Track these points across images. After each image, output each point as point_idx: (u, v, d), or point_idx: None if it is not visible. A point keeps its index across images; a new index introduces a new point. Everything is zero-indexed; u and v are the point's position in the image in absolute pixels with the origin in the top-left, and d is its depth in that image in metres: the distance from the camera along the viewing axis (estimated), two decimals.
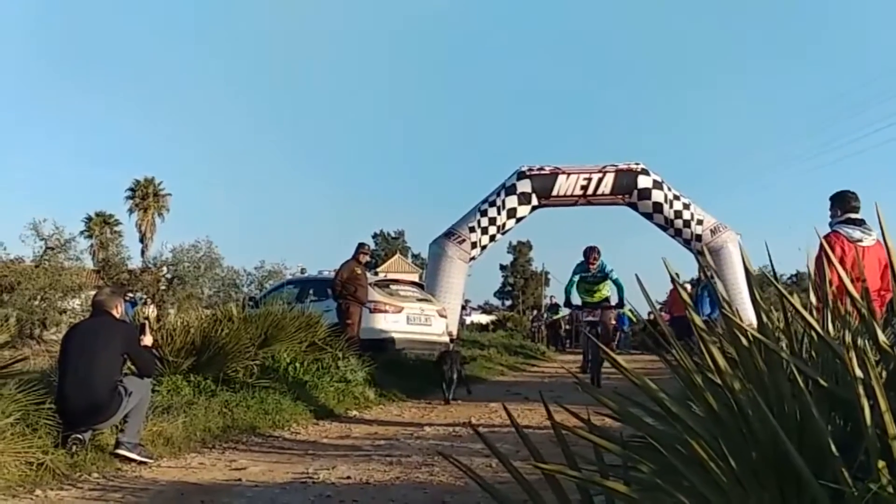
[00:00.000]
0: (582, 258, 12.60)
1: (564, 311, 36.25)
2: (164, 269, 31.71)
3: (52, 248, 25.88)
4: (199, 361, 8.66)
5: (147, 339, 6.85)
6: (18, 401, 6.12)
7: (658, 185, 20.73)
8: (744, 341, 1.60)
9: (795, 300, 2.19)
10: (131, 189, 56.68)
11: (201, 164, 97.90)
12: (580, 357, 19.23)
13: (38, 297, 24.99)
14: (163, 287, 31.04)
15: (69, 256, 26.72)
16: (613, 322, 13.24)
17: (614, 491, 1.55)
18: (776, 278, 2.10)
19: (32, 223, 26.01)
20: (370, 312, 13.63)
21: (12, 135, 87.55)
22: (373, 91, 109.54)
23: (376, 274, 24.92)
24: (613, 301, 12.95)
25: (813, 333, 1.67)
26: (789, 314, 1.77)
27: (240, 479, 5.61)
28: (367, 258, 14.37)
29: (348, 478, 5.59)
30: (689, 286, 18.12)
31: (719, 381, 1.56)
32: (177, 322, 10.26)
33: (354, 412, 9.32)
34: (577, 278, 12.58)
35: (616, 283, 12.43)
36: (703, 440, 1.46)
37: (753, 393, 1.49)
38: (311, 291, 15.06)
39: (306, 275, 19.53)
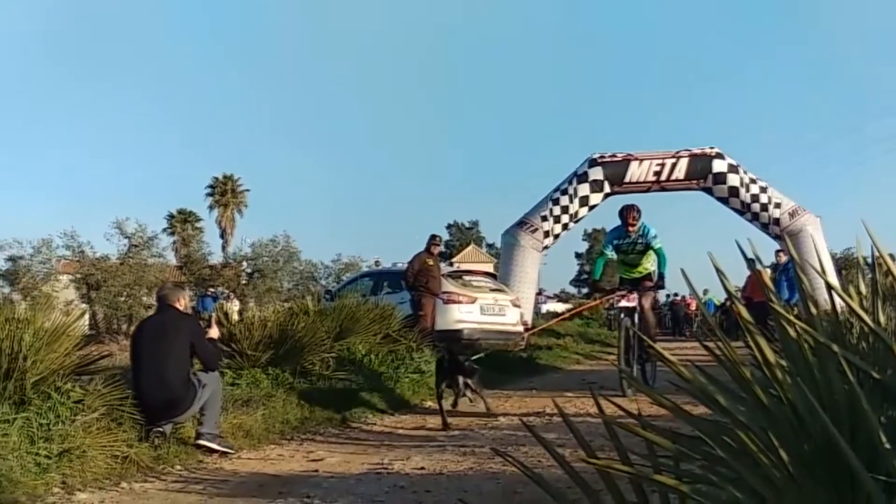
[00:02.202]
0: (619, 221, 10.07)
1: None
2: (244, 263, 32.41)
3: (136, 246, 26.73)
4: (276, 354, 8.85)
5: (213, 332, 7.03)
6: (104, 396, 6.36)
7: (734, 168, 20.37)
8: (791, 332, 1.60)
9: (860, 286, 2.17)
10: (210, 186, 57.89)
11: (278, 158, 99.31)
12: (658, 345, 18.92)
13: (124, 294, 25.85)
14: (243, 281, 31.73)
15: (152, 253, 27.61)
16: (650, 304, 10.25)
17: (665, 485, 1.57)
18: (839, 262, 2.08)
19: (116, 222, 26.93)
20: (443, 303, 13.73)
21: (94, 138, 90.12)
22: (446, 83, 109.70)
23: (450, 265, 25.04)
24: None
25: (862, 323, 1.65)
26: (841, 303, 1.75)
27: (317, 470, 5.73)
28: (440, 249, 14.46)
29: (422, 468, 5.67)
30: (768, 270, 17.72)
31: (768, 374, 1.57)
32: (254, 316, 10.50)
33: (429, 403, 9.41)
34: (609, 250, 10.18)
35: (659, 253, 9.90)
36: (753, 433, 1.47)
37: (802, 385, 1.49)
38: (385, 284, 15.23)
39: (381, 267, 19.71)
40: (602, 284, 10.53)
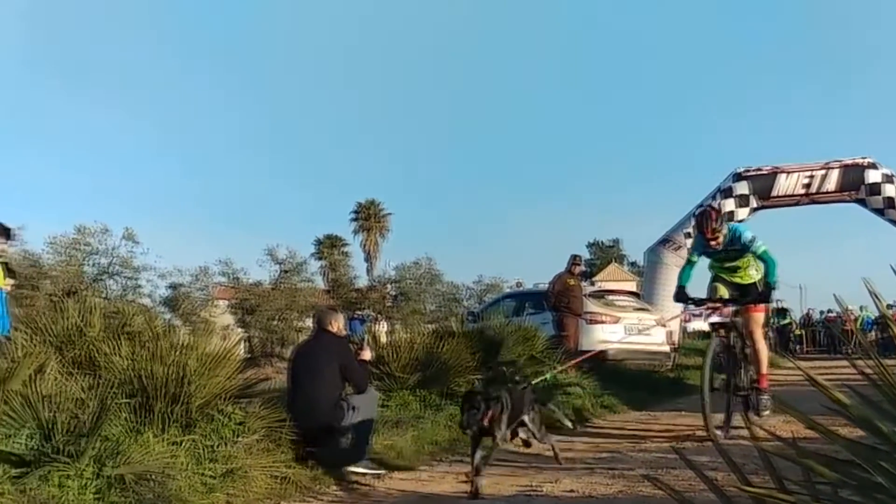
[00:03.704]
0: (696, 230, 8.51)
1: (794, 314, 34.60)
2: (389, 286, 33.12)
3: (287, 271, 27.81)
4: (424, 376, 9.03)
5: (366, 355, 7.24)
6: (263, 418, 6.67)
7: (889, 178, 19.38)
8: None
9: None
10: (355, 211, 59.48)
11: (419, 182, 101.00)
12: (814, 363, 18.10)
13: (277, 318, 26.92)
14: (388, 304, 32.40)
15: (302, 278, 28.67)
16: (757, 321, 8.35)
17: None
18: None
19: (268, 248, 28.14)
20: (587, 324, 13.65)
21: (240, 165, 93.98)
22: (584, 98, 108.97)
23: (592, 284, 24.83)
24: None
25: None
26: None
27: (467, 492, 5.81)
28: (581, 269, 14.41)
29: (572, 491, 5.67)
30: None
31: None
32: (402, 339, 10.75)
33: (574, 424, 9.35)
34: (697, 257, 8.42)
35: (764, 258, 8.12)
36: None
37: None
38: (527, 304, 15.27)
39: (522, 288, 19.76)
40: (687, 294, 8.47)
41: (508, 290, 23.64)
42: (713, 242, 7.97)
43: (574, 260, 13.82)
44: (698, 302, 8.48)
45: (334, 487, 6.01)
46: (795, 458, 1.62)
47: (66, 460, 5.15)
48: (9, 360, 6.27)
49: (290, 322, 27.05)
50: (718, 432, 7.42)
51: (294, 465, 6.15)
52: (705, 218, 7.99)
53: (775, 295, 8.86)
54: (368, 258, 57.37)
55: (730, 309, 8.10)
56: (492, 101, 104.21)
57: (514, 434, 6.53)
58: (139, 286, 25.68)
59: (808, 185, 19.56)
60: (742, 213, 19.93)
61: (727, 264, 8.42)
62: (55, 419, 5.41)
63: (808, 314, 34.48)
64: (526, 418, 6.29)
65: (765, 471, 1.82)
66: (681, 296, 8.38)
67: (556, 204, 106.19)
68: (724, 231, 8.03)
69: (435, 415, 8.32)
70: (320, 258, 47.17)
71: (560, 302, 13.35)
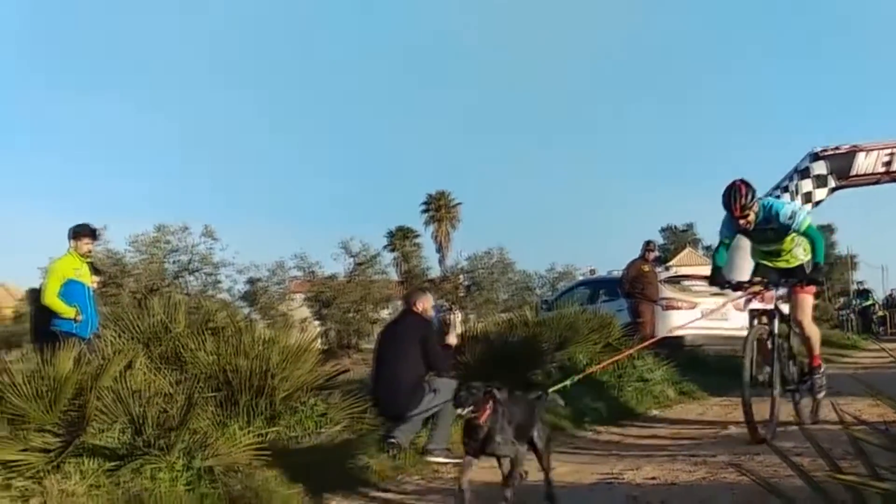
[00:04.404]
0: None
1: (876, 295, 33.68)
2: (462, 276, 33.26)
3: (361, 264, 28.16)
4: (499, 366, 9.05)
5: (451, 339, 7.29)
6: (344, 409, 6.80)
7: None
8: None
9: None
10: (425, 203, 59.72)
11: (487, 170, 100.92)
12: None
13: (352, 310, 27.30)
14: (461, 294, 32.53)
15: (376, 270, 29.01)
16: (806, 306, 7.39)
17: None
18: None
19: (342, 242, 28.53)
20: (663, 310, 13.51)
21: (316, 164, 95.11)
22: (651, 79, 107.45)
23: (666, 269, 24.54)
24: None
25: None
26: None
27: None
28: (655, 254, 14.26)
29: (654, 478, 5.63)
30: None
31: None
32: (476, 328, 10.80)
33: (655, 412, 9.29)
34: (728, 240, 7.49)
35: (809, 235, 7.17)
36: None
37: None
38: (601, 292, 15.17)
39: (596, 275, 19.64)
40: (726, 275, 7.55)
41: (582, 278, 23.49)
42: (742, 221, 7.03)
43: (647, 245, 13.70)
44: (736, 285, 7.56)
45: (416, 477, 6.07)
46: (888, 445, 1.60)
47: (157, 453, 5.32)
48: (99, 357, 6.50)
49: (365, 314, 27.38)
50: (762, 432, 6.69)
51: (375, 455, 6.24)
52: (733, 193, 6.98)
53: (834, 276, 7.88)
54: (440, 249, 57.60)
55: (773, 293, 7.22)
56: (559, 84, 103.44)
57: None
58: (218, 282, 26.27)
59: (888, 164, 18.96)
60: (820, 193, 19.44)
61: (766, 247, 7.53)
62: (145, 413, 5.58)
63: (891, 295, 33.55)
64: (534, 433, 5.15)
65: (854, 457, 1.79)
66: (717, 278, 7.46)
67: (627, 189, 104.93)
68: (756, 208, 7.06)
69: None
70: (392, 250, 47.55)
71: (634, 288, 13.25)
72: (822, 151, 19.54)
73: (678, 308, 13.77)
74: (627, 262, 13.81)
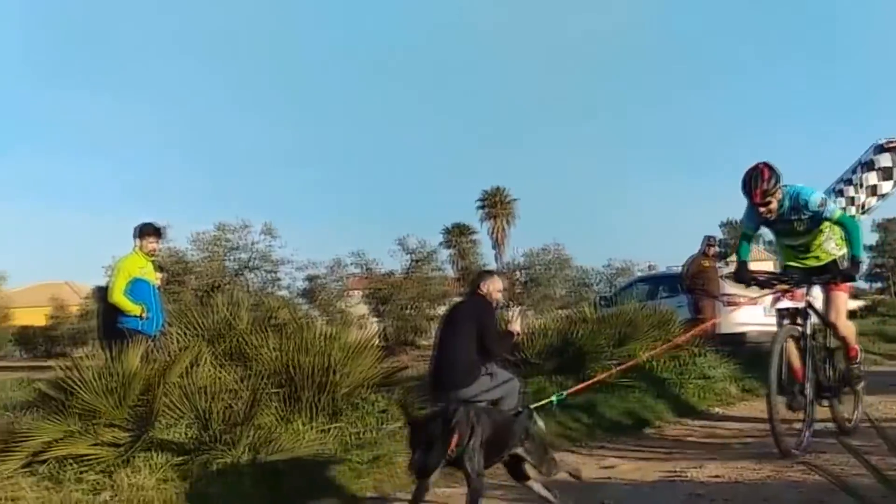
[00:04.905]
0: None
1: None
2: (518, 273, 33.22)
3: (418, 261, 28.30)
4: (559, 362, 9.03)
5: (515, 326, 7.22)
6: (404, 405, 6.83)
7: None
8: None
9: None
10: (480, 199, 59.69)
11: (544, 166, 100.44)
12: None
13: (409, 307, 27.46)
14: (518, 290, 32.48)
15: (432, 267, 29.15)
16: (839, 305, 6.72)
17: None
18: None
19: (399, 239, 28.72)
20: (724, 306, 13.32)
21: (381, 162, 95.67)
22: (711, 73, 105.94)
23: (727, 265, 24.21)
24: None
25: None
26: None
27: (610, 477, 5.79)
28: (715, 250, 14.10)
29: (718, 476, 5.56)
30: None
31: None
32: (535, 324, 10.77)
33: (718, 409, 9.17)
34: (751, 231, 6.92)
35: (844, 224, 6.55)
36: None
37: None
38: (661, 288, 15.04)
39: (655, 271, 19.48)
40: (749, 271, 6.86)
41: (640, 274, 23.30)
42: (763, 210, 6.35)
43: (708, 241, 13.54)
44: (763, 282, 6.93)
45: None
46: None
47: (223, 448, 5.42)
48: (166, 354, 6.63)
49: (422, 311, 27.51)
50: (791, 444, 6.11)
51: None
52: (753, 177, 6.27)
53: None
54: (496, 245, 57.54)
55: (803, 291, 6.57)
56: (618, 77, 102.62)
57: (512, 467, 4.88)
58: (278, 279, 26.68)
59: None
60: (886, 186, 18.91)
61: (792, 241, 6.82)
62: (211, 409, 5.69)
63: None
64: (520, 450, 4.70)
65: None
66: (741, 274, 6.83)
67: (687, 183, 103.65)
68: (779, 195, 6.34)
69: (572, 400, 8.30)
70: (448, 247, 47.65)
71: (695, 284, 13.11)
72: (887, 143, 19.06)
73: (740, 304, 13.56)
74: (687, 257, 13.65)
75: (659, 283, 15.49)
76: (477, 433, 4.37)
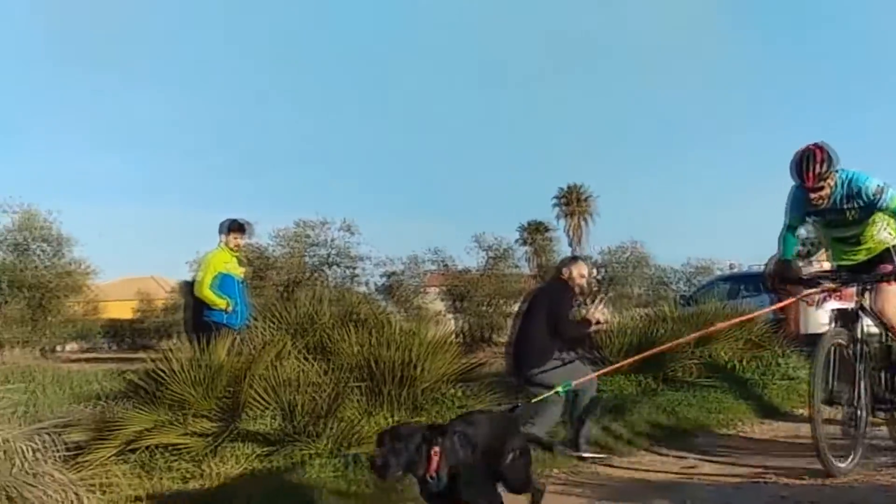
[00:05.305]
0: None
1: None
2: (595, 271, 33.03)
3: (495, 258, 28.37)
4: (639, 361, 8.96)
5: (597, 314, 7.12)
6: (483, 401, 6.89)
7: None
8: None
9: None
10: (556, 197, 59.37)
11: (623, 164, 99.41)
12: None
13: (486, 304, 27.56)
14: (595, 288, 32.30)
15: (509, 264, 29.18)
16: None
17: None
18: None
19: (475, 236, 28.85)
20: (808, 305, 13.02)
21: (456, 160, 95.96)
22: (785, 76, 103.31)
23: (811, 264, 23.68)
24: None
25: None
26: None
27: (691, 478, 5.74)
28: (799, 248, 13.79)
29: (803, 478, 5.47)
30: None
31: None
32: (614, 323, 10.71)
33: (801, 411, 8.96)
34: (796, 222, 6.22)
35: None
36: None
37: None
38: (742, 287, 14.80)
39: (737, 270, 19.16)
40: (795, 269, 6.17)
41: (720, 273, 22.93)
42: (815, 196, 5.69)
43: None
44: (809, 280, 6.25)
45: (556, 470, 6.09)
46: None
47: (307, 440, 5.55)
48: (251, 347, 6.80)
49: (498, 308, 27.56)
50: (840, 465, 5.47)
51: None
52: (805, 158, 5.61)
53: None
54: (572, 243, 57.17)
55: (853, 290, 5.95)
56: (694, 68, 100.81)
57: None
58: (356, 275, 27.00)
59: None
60: None
61: (841, 233, 6.13)
62: (295, 401, 5.83)
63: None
64: (504, 466, 3.99)
65: None
66: (786, 273, 6.13)
67: (768, 180, 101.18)
68: (832, 180, 5.68)
69: (652, 399, 8.26)
70: (524, 244, 47.54)
71: (778, 284, 12.84)
72: None
73: (825, 303, 13.24)
74: (770, 256, 13.39)
75: (741, 283, 15.23)
76: (470, 451, 3.80)
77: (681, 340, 8.03)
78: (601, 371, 6.86)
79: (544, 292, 6.95)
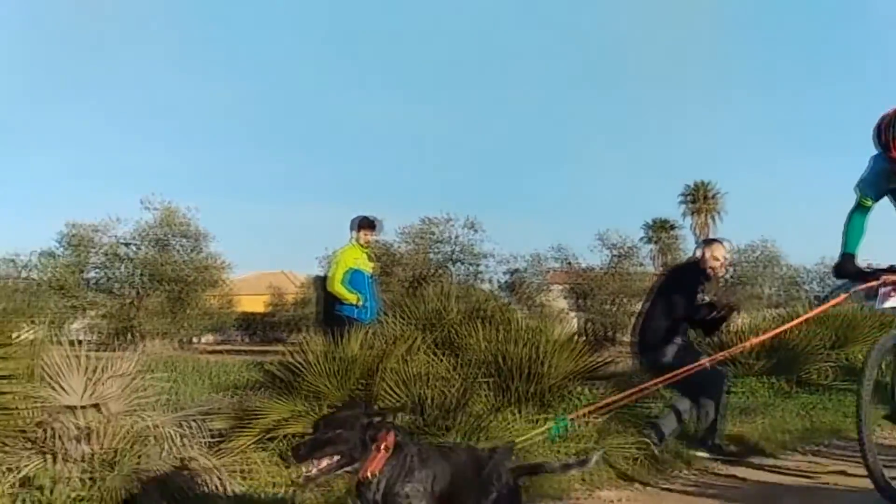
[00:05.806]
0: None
1: None
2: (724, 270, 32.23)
3: (619, 256, 28.05)
4: (771, 363, 8.75)
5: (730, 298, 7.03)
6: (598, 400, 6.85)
7: None
8: None
9: None
10: (683, 194, 58.12)
11: (757, 160, 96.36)
12: None
13: (610, 302, 27.28)
14: (722, 288, 31.49)
15: (633, 263, 28.79)
16: None
17: None
18: None
19: (599, 234, 28.59)
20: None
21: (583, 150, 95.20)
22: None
23: None
24: None
25: None
26: None
27: (827, 483, 5.60)
28: None
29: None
30: None
31: None
32: (745, 324, 10.47)
33: None
34: (870, 201, 5.21)
35: None
36: None
37: None
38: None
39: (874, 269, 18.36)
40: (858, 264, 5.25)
41: None
42: None
43: None
44: (870, 274, 5.26)
45: (685, 472, 6.03)
46: None
47: (438, 433, 5.66)
48: (382, 342, 6.98)
49: (623, 307, 27.23)
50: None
51: (644, 447, 6.23)
52: (894, 124, 4.75)
53: None
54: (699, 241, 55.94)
55: None
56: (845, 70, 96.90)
57: None
58: (480, 272, 27.16)
59: None
60: None
61: None
62: (426, 395, 5.95)
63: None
64: None
65: None
66: (846, 268, 5.27)
67: None
68: None
69: (785, 402, 8.06)
70: (649, 242, 46.73)
71: None
72: None
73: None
74: None
75: None
76: (416, 477, 3.14)
77: (755, 340, 7.42)
78: (713, 357, 6.33)
79: (672, 274, 6.94)
